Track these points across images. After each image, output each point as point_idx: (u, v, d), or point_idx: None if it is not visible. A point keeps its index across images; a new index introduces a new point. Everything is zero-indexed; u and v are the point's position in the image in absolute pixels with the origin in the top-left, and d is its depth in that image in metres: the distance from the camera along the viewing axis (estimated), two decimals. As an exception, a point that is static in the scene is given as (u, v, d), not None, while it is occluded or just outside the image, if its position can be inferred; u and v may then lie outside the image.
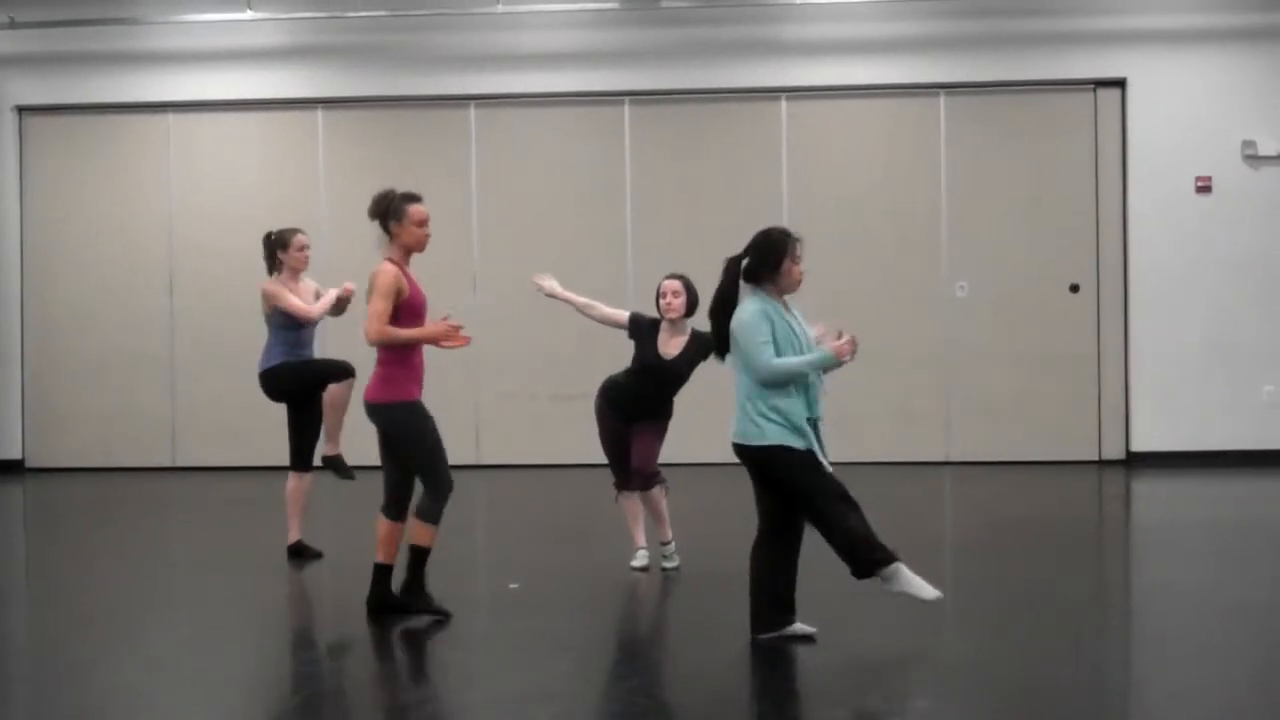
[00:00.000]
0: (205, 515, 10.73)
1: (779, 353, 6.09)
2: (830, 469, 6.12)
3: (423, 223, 6.88)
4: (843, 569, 6.19)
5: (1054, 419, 12.47)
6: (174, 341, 13.06)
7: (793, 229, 6.37)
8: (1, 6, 12.69)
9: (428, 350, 6.93)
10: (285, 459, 8.57)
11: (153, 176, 13.09)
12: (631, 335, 7.95)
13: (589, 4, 12.56)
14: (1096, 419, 12.50)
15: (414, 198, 6.90)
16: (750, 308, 6.14)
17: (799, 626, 6.20)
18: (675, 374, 7.81)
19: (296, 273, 8.55)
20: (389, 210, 6.86)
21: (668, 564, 7.92)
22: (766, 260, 6.17)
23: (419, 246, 6.90)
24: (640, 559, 7.96)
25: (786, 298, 6.27)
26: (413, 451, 6.79)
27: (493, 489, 11.77)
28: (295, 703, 5.54)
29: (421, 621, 6.77)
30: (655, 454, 7.87)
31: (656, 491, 7.87)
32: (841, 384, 12.24)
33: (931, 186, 12.60)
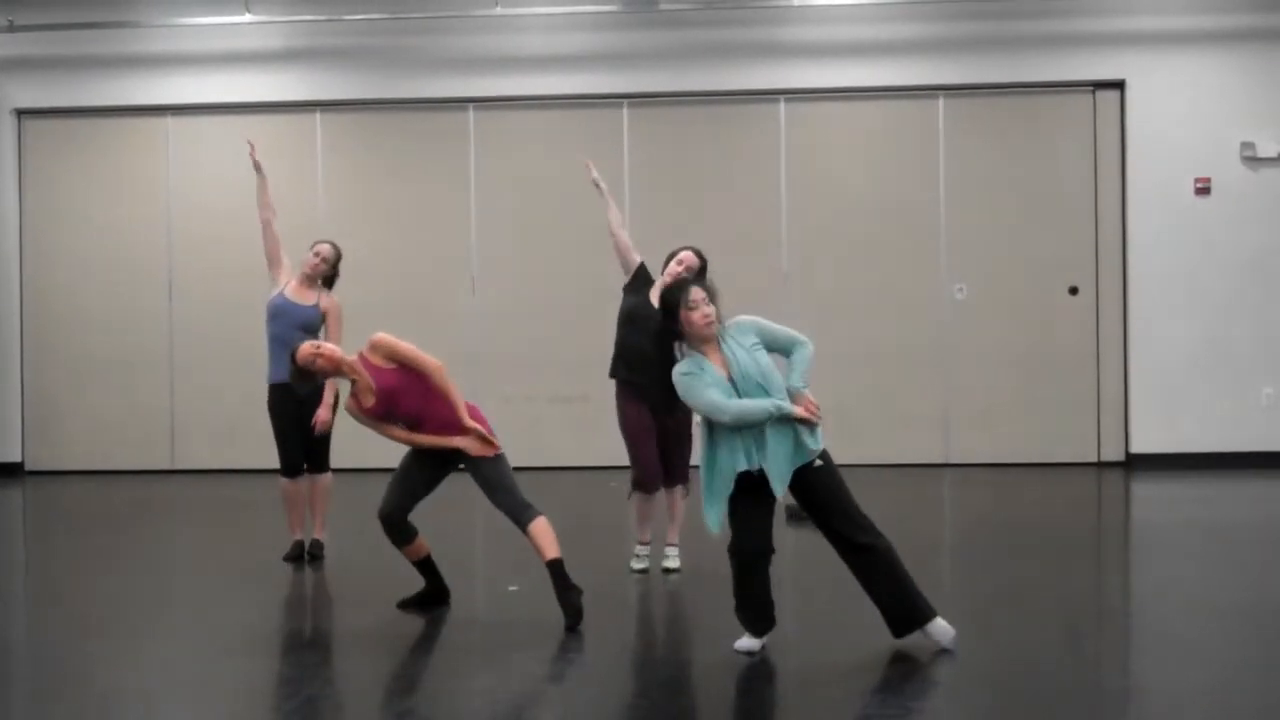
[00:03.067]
0: (204, 517, 10.73)
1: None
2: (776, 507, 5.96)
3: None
4: (843, 571, 6.19)
5: (1053, 421, 12.48)
6: (173, 344, 13.06)
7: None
8: (1, 9, 12.70)
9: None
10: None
11: (152, 179, 13.10)
12: (629, 284, 7.97)
13: (587, 6, 12.57)
14: (1096, 421, 12.50)
15: None
16: (676, 373, 6.02)
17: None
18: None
19: (308, 279, 8.46)
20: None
21: (669, 564, 7.90)
22: (667, 318, 6.06)
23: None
24: (641, 560, 7.94)
25: (732, 326, 6.07)
26: None
27: (492, 491, 11.74)
28: (294, 705, 5.53)
29: (422, 621, 6.82)
30: (689, 451, 7.81)
31: (681, 489, 7.89)
32: (840, 386, 12.38)
33: (930, 189, 12.60)
